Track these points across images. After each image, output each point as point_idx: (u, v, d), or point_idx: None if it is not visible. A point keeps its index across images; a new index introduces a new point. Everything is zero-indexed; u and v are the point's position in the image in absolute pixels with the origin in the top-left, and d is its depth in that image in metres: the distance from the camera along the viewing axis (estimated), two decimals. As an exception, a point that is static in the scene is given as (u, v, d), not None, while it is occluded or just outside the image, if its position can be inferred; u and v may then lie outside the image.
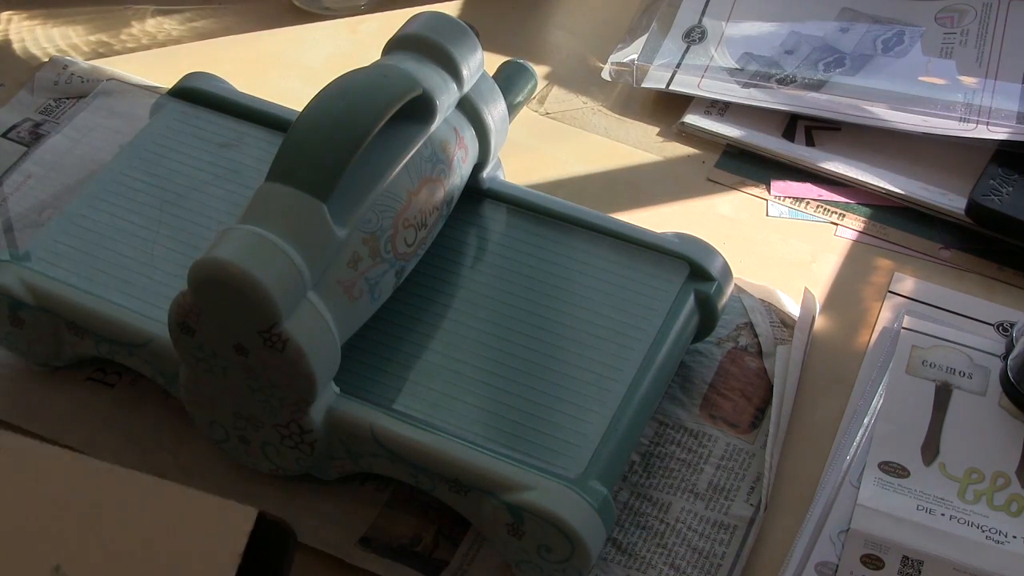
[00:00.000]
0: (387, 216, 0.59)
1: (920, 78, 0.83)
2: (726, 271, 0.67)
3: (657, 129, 0.84)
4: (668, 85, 0.85)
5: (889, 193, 0.79)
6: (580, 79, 0.88)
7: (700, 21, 0.89)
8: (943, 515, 0.61)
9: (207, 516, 0.49)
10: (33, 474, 0.49)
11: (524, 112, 0.84)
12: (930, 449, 0.64)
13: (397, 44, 0.64)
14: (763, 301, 0.72)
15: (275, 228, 0.55)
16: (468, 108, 0.65)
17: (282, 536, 0.50)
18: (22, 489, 0.48)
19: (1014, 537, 0.60)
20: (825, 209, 0.78)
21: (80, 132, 0.80)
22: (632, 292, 0.65)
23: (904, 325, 0.70)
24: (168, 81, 0.77)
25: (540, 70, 0.87)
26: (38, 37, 0.89)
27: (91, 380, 0.68)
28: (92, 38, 0.90)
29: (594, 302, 0.65)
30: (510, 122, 0.69)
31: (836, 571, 0.60)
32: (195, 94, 0.74)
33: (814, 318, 0.71)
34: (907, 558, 0.59)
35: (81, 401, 0.67)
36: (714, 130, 0.82)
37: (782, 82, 0.84)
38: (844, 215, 0.78)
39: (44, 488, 0.49)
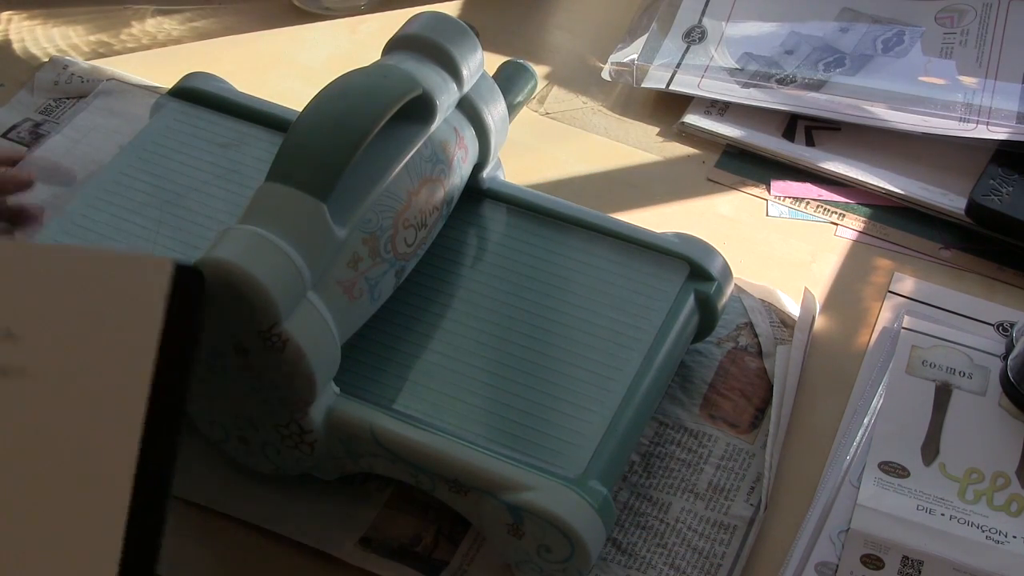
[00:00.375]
0: (387, 216, 0.59)
1: (920, 78, 0.83)
2: (726, 271, 0.67)
3: (657, 129, 0.84)
4: (668, 85, 0.85)
5: (889, 193, 0.79)
6: (580, 79, 0.88)
7: (700, 21, 0.89)
8: (943, 515, 0.61)
9: (123, 273, 0.48)
10: None
11: (524, 112, 0.84)
12: (930, 449, 0.64)
13: (397, 44, 0.64)
14: (763, 301, 0.72)
15: (275, 228, 0.55)
16: (468, 108, 0.65)
17: (192, 279, 0.48)
18: None
19: (1014, 537, 0.60)
20: (825, 209, 0.78)
21: (80, 132, 0.80)
22: (632, 292, 0.65)
23: (904, 325, 0.70)
24: (168, 81, 0.77)
25: (540, 70, 0.87)
26: (38, 37, 0.89)
27: (91, 380, 0.67)
28: (92, 38, 0.90)
29: (594, 302, 0.65)
30: (510, 122, 0.69)
31: (836, 571, 0.60)
32: (195, 94, 0.74)
33: (814, 318, 0.71)
34: (907, 558, 0.59)
35: (81, 401, 0.66)
36: (714, 130, 0.82)
37: (782, 82, 0.84)
38: (844, 215, 0.78)
39: None
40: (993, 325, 0.71)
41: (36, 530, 0.41)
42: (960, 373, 0.67)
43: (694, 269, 0.66)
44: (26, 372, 0.43)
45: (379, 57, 0.64)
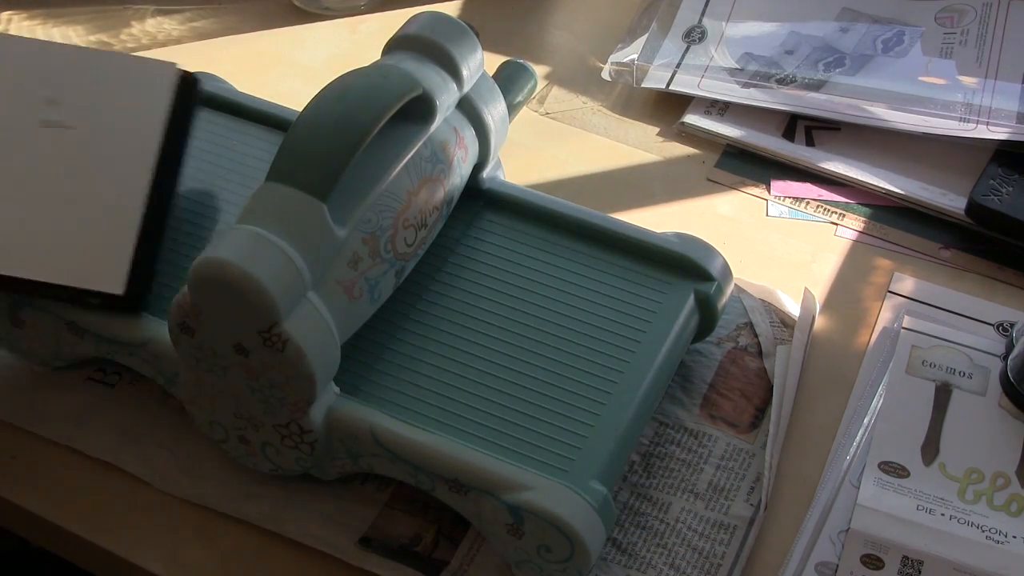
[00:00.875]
0: (387, 216, 0.59)
1: (920, 78, 0.83)
2: (726, 271, 0.67)
3: (657, 129, 0.84)
4: (668, 85, 0.85)
5: (889, 193, 0.79)
6: (580, 79, 0.88)
7: (700, 21, 0.89)
8: (943, 515, 0.61)
9: (139, 68, 0.67)
10: None
11: (524, 112, 0.84)
12: (930, 449, 0.64)
13: (397, 44, 0.64)
14: (763, 301, 0.72)
15: (275, 228, 0.55)
16: (468, 108, 0.65)
17: (190, 81, 0.67)
18: None
19: (1014, 537, 0.60)
20: (825, 209, 0.78)
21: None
22: (632, 292, 0.65)
23: (904, 325, 0.70)
24: (168, 81, 0.77)
25: (540, 70, 0.87)
26: (38, 37, 0.89)
27: (91, 380, 0.68)
28: (92, 38, 0.90)
29: (594, 302, 0.65)
30: (510, 122, 0.69)
31: (836, 571, 0.60)
32: (195, 94, 0.74)
33: (814, 318, 0.71)
34: (907, 558, 0.59)
35: (81, 401, 0.67)
36: (714, 130, 0.82)
37: (782, 82, 0.84)
38: (844, 215, 0.78)
39: None
40: (993, 325, 0.71)
41: (74, 224, 0.61)
42: (960, 373, 0.67)
43: (694, 269, 0.66)
44: (65, 125, 0.63)
45: (379, 57, 0.64)
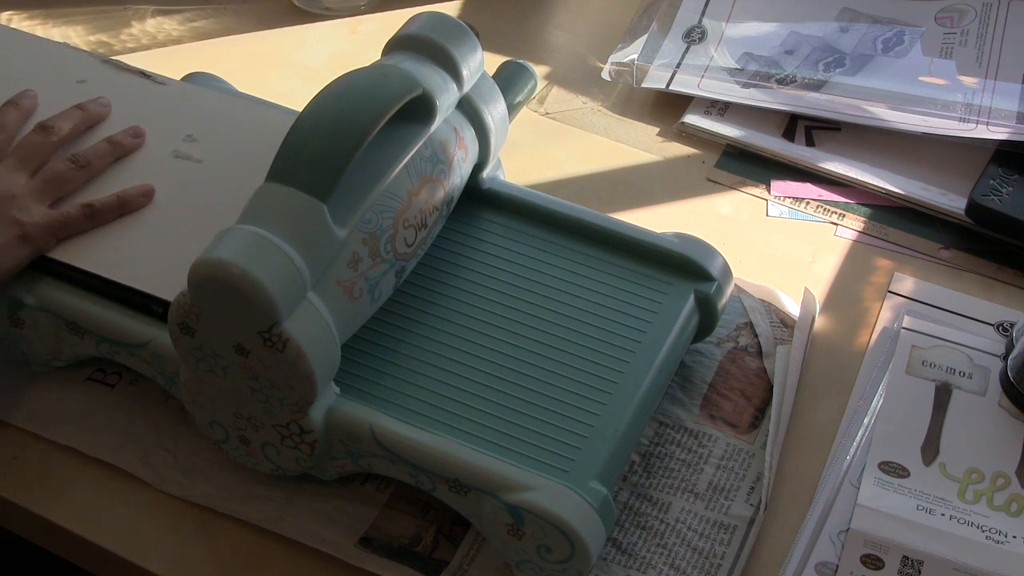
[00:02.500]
0: (387, 216, 0.59)
1: (920, 78, 0.83)
2: (726, 271, 0.67)
3: (657, 129, 0.84)
4: (668, 85, 0.85)
5: (889, 193, 0.79)
6: (580, 79, 0.88)
7: (700, 21, 0.89)
8: (943, 515, 0.61)
9: (266, 116, 0.73)
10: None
11: (524, 112, 0.84)
12: (930, 449, 0.64)
13: (397, 44, 0.64)
14: (763, 301, 0.72)
15: (275, 228, 0.55)
16: (468, 108, 0.65)
17: None
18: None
19: (1014, 537, 0.60)
20: (825, 209, 0.78)
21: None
22: (632, 292, 0.65)
23: (904, 325, 0.70)
24: (168, 81, 0.77)
25: (540, 70, 0.87)
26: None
27: (91, 380, 0.68)
28: (92, 38, 0.90)
29: (594, 302, 0.65)
30: (510, 122, 0.69)
31: (836, 571, 0.59)
32: (195, 94, 0.74)
33: (814, 318, 0.71)
34: (907, 558, 0.59)
35: (81, 401, 0.67)
36: (714, 130, 0.82)
37: (782, 82, 0.84)
38: (844, 215, 0.78)
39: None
40: (993, 325, 0.71)
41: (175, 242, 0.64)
42: (960, 373, 0.67)
43: (694, 269, 0.66)
44: (201, 161, 0.68)
45: (379, 57, 0.64)
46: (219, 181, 0.66)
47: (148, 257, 0.63)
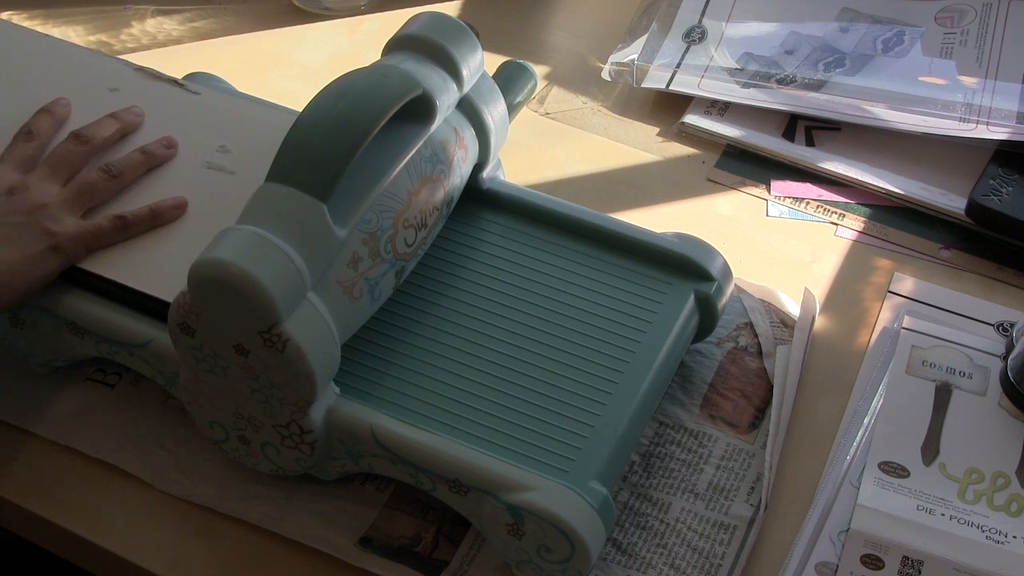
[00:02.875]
0: (387, 216, 0.59)
1: (920, 78, 0.83)
2: (726, 271, 0.67)
3: (657, 129, 0.84)
4: (668, 85, 0.85)
5: (889, 193, 0.79)
6: (580, 79, 0.88)
7: (700, 21, 0.89)
8: (943, 515, 0.61)
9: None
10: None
11: (524, 112, 0.84)
12: (930, 449, 0.64)
13: (397, 44, 0.64)
14: (763, 301, 0.72)
15: (275, 228, 0.55)
16: (468, 108, 0.65)
17: None
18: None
19: (1014, 537, 0.60)
20: (825, 209, 0.78)
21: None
22: (632, 292, 0.65)
23: (904, 325, 0.70)
24: (168, 81, 0.77)
25: (540, 70, 0.87)
26: (38, 37, 0.89)
27: (91, 380, 0.68)
28: (92, 38, 0.90)
29: (594, 302, 0.65)
30: (510, 122, 0.69)
31: (836, 571, 0.59)
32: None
33: (814, 318, 0.71)
34: (907, 558, 0.59)
35: (81, 401, 0.67)
36: (714, 130, 0.82)
37: (782, 82, 0.84)
38: (844, 215, 0.78)
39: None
40: (993, 325, 0.71)
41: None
42: (960, 373, 0.67)
43: (694, 269, 0.66)
44: (234, 173, 0.67)
45: (379, 57, 0.64)
46: (251, 193, 0.66)
47: (177, 268, 0.61)
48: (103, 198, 0.65)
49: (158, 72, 0.73)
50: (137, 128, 0.69)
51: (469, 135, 0.66)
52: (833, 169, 0.80)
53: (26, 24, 0.91)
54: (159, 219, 0.64)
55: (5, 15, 0.91)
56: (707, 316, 0.66)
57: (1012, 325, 0.70)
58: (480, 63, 0.65)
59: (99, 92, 0.71)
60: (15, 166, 0.65)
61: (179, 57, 0.88)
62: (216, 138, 0.69)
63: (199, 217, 0.65)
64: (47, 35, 0.79)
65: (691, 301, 0.65)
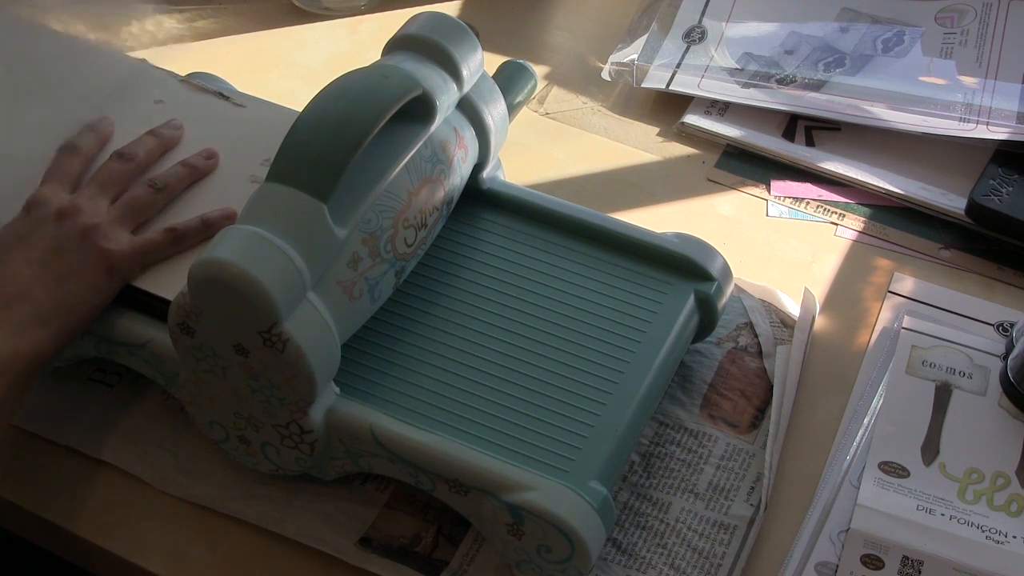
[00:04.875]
0: (387, 216, 0.59)
1: (920, 78, 0.83)
2: (726, 271, 0.67)
3: (657, 129, 0.84)
4: (668, 85, 0.85)
5: (889, 193, 0.79)
6: (580, 79, 0.88)
7: (700, 21, 0.89)
8: (943, 515, 0.61)
9: None
10: None
11: (524, 112, 0.84)
12: (930, 449, 0.64)
13: (397, 44, 0.64)
14: (763, 301, 0.72)
15: (275, 228, 0.55)
16: (468, 108, 0.65)
17: None
18: None
19: (1014, 537, 0.60)
20: (825, 209, 0.78)
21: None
22: (632, 292, 0.65)
23: (904, 325, 0.70)
24: (168, 81, 0.77)
25: (540, 70, 0.87)
26: (38, 37, 0.89)
27: (91, 380, 0.68)
28: (92, 37, 0.90)
29: (594, 302, 0.65)
30: (510, 122, 0.69)
31: (836, 571, 0.59)
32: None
33: (814, 318, 0.71)
34: (907, 558, 0.59)
35: (81, 401, 0.67)
36: (714, 130, 0.82)
37: (782, 82, 0.84)
38: (844, 215, 0.78)
39: None
40: (993, 325, 0.71)
41: None
42: (960, 373, 0.67)
43: (694, 269, 0.66)
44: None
45: (379, 57, 0.64)
46: None
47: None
48: (152, 213, 0.64)
49: (203, 85, 0.73)
50: (177, 143, 0.69)
51: (469, 135, 0.66)
52: (833, 169, 0.80)
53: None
54: (210, 229, 0.63)
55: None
56: (707, 316, 0.66)
57: (1012, 325, 0.70)
58: (480, 63, 0.65)
59: (144, 103, 0.71)
60: (61, 185, 0.64)
61: (179, 57, 0.88)
62: (261, 151, 0.68)
63: None
64: (94, 41, 0.78)
65: (691, 301, 0.65)
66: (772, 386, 0.67)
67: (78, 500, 0.63)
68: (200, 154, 0.68)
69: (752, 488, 0.63)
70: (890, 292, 0.73)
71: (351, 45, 0.90)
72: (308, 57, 0.89)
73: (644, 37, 0.88)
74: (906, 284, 0.73)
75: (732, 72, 0.85)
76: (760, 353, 0.69)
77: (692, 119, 0.83)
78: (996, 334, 0.71)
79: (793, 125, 0.83)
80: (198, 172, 0.67)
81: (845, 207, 0.79)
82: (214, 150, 0.68)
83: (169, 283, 0.61)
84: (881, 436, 0.64)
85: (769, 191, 0.80)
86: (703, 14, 0.90)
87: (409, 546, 0.61)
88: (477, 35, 0.65)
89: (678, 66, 0.86)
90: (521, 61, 0.75)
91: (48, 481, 0.64)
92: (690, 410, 0.67)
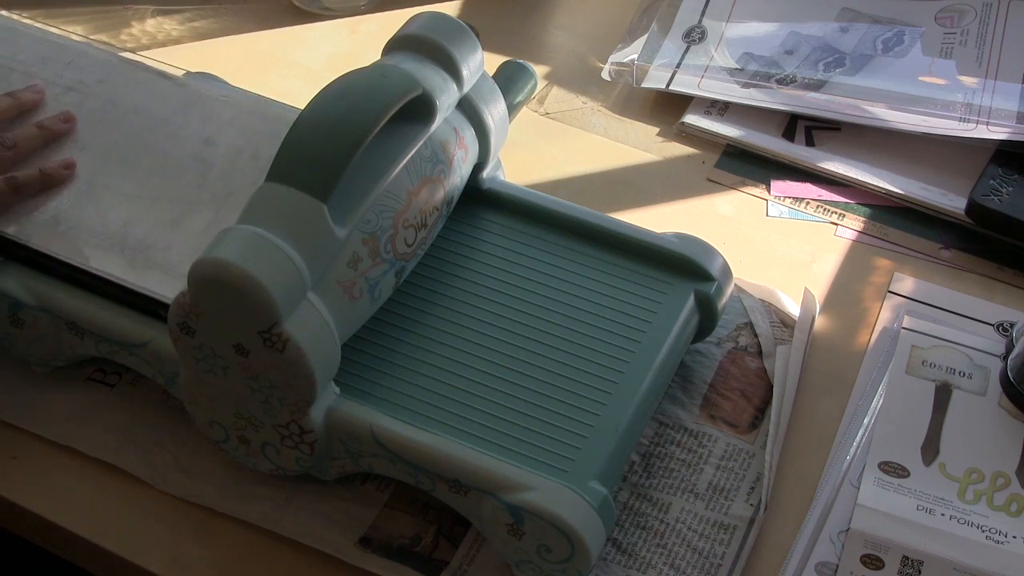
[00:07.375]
0: (387, 216, 0.59)
1: (920, 78, 0.83)
2: (726, 271, 0.67)
3: (657, 129, 0.84)
4: (668, 85, 0.85)
5: (889, 193, 0.79)
6: (580, 79, 0.88)
7: (700, 21, 0.89)
8: (943, 515, 0.61)
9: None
10: None
11: (524, 112, 0.84)
12: (930, 449, 0.64)
13: (397, 44, 0.64)
14: (763, 301, 0.72)
15: (275, 228, 0.55)
16: (468, 108, 0.65)
17: None
18: None
19: (1014, 537, 0.60)
20: (825, 209, 0.78)
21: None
22: (632, 292, 0.65)
23: (904, 325, 0.70)
24: (168, 81, 0.77)
25: (540, 70, 0.87)
26: (38, 37, 0.89)
27: (91, 380, 0.68)
28: (92, 37, 0.90)
29: (594, 302, 0.65)
30: (510, 122, 0.69)
31: (836, 571, 0.60)
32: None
33: (814, 318, 0.71)
34: (907, 558, 0.59)
35: (81, 401, 0.67)
36: (714, 130, 0.83)
37: (782, 82, 0.84)
38: (844, 215, 0.78)
39: None
40: (993, 325, 0.71)
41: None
42: (960, 373, 0.67)
43: (694, 269, 0.66)
44: (209, 163, 0.67)
45: (379, 57, 0.64)
46: (235, 185, 0.67)
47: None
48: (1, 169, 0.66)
49: (145, 64, 0.74)
50: (36, 105, 0.70)
51: (469, 135, 0.66)
52: (833, 169, 0.80)
53: (26, 23, 0.91)
54: (49, 180, 0.66)
55: (4, 14, 0.91)
56: (707, 316, 0.66)
57: (1012, 325, 0.70)
58: (480, 63, 0.65)
59: (88, 85, 0.72)
60: None
61: (179, 57, 0.88)
62: (202, 131, 0.69)
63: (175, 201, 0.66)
64: (39, 26, 0.79)
65: (691, 301, 0.65)
66: (772, 386, 0.67)
67: (77, 500, 0.63)
68: (57, 116, 0.69)
69: (752, 488, 0.63)
70: (890, 292, 0.73)
71: (351, 45, 0.90)
72: (308, 57, 0.89)
73: (644, 37, 0.88)
74: (906, 284, 0.73)
75: (732, 72, 0.85)
76: (760, 353, 0.69)
77: (692, 119, 0.83)
78: (996, 334, 0.71)
79: (793, 125, 0.83)
80: (52, 134, 0.68)
81: (845, 207, 0.79)
82: (72, 114, 0.69)
83: (169, 283, 0.61)
84: (881, 436, 0.64)
85: (769, 191, 0.80)
86: (703, 14, 0.90)
87: (409, 546, 0.61)
88: (477, 35, 0.65)
89: (678, 66, 0.86)
90: (521, 61, 0.75)
91: (48, 481, 0.64)
92: (690, 410, 0.67)
